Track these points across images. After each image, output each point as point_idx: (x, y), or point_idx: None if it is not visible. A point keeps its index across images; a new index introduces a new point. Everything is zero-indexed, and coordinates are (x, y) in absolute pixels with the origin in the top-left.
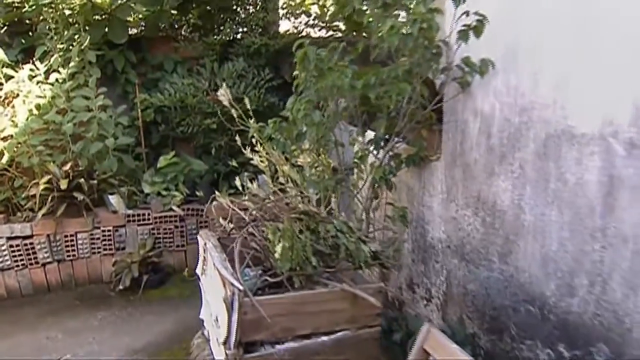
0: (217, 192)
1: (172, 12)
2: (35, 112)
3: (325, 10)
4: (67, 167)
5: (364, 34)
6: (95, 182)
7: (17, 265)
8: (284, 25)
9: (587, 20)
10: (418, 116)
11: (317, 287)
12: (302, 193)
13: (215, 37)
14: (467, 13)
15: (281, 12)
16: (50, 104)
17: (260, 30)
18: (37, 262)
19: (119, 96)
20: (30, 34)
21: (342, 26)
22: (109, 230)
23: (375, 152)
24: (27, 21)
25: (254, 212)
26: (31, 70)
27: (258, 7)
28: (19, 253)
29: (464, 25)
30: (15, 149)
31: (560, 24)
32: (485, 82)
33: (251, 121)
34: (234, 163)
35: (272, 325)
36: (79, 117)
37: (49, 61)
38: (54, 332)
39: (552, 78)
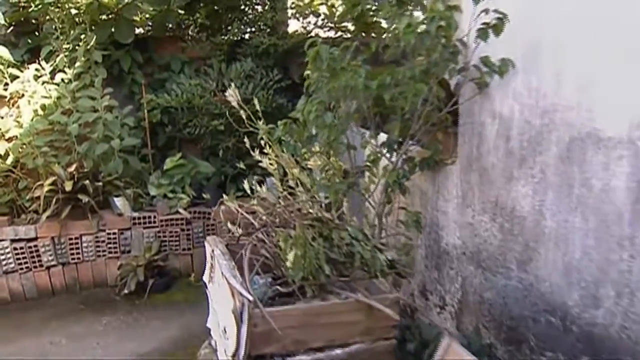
0: (224, 195)
1: (179, 11)
2: (40, 112)
3: (334, 10)
4: (72, 168)
5: (372, 35)
6: (100, 183)
7: (21, 268)
8: (293, 25)
9: (614, 17)
10: (433, 118)
11: (330, 296)
12: (314, 198)
13: (222, 37)
14: (486, 11)
15: (290, 11)
16: (55, 104)
17: (268, 30)
18: (41, 265)
19: (125, 97)
20: (37, 33)
21: (350, 27)
22: (114, 233)
23: (388, 155)
24: (34, 21)
25: (263, 218)
26: (37, 70)
27: (266, 7)
28: (23, 256)
29: (483, 24)
30: (20, 150)
31: (585, 21)
32: (504, 83)
33: (260, 123)
34: (242, 165)
35: (284, 337)
36: (85, 118)
37: (55, 61)
38: (58, 337)
39: (576, 79)
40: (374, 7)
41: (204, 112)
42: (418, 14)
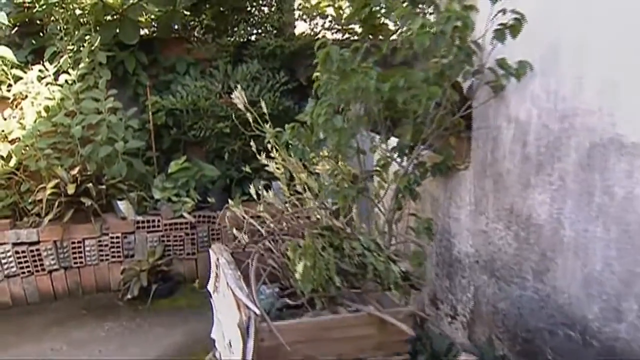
0: (230, 200)
1: (185, 12)
2: (43, 114)
3: (341, 12)
4: (75, 171)
5: (380, 37)
6: (103, 187)
7: (23, 272)
8: (301, 27)
9: (639, 16)
10: (446, 122)
11: (340, 309)
12: (324, 205)
13: (228, 38)
14: (503, 11)
15: (297, 13)
16: (59, 106)
17: (275, 31)
18: (43, 269)
19: (130, 98)
20: (41, 34)
21: (358, 29)
22: (117, 237)
23: (399, 160)
24: (38, 22)
25: (271, 225)
26: (40, 71)
27: (273, 8)
28: (25, 260)
29: (500, 24)
30: (22, 152)
31: (608, 21)
32: (520, 86)
33: (267, 126)
34: (248, 169)
35: (292, 353)
36: (88, 120)
37: (59, 62)
38: (59, 343)
39: (598, 82)
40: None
41: (209, 115)
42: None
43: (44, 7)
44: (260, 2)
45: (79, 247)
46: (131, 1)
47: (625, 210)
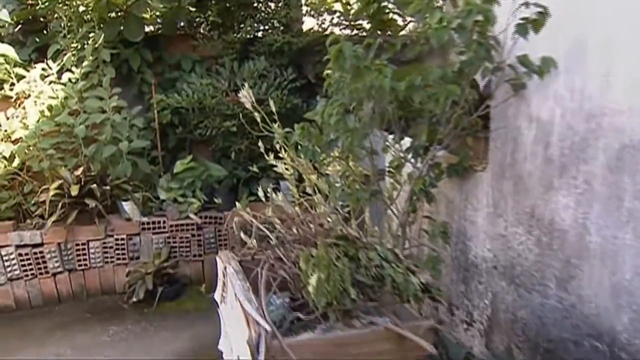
0: (237, 201)
1: (191, 9)
2: (46, 113)
3: (349, 8)
4: (78, 171)
5: (388, 33)
6: (108, 187)
7: (27, 275)
8: (309, 23)
9: None
10: (464, 122)
11: (355, 322)
12: (336, 210)
13: (235, 35)
14: (526, 4)
15: (304, 8)
16: (62, 105)
17: (282, 27)
18: (47, 272)
19: (135, 97)
20: (45, 32)
21: (365, 25)
22: (122, 239)
23: (413, 160)
24: (42, 19)
25: (281, 233)
26: (43, 69)
27: (280, 4)
28: (29, 262)
29: (522, 19)
30: (25, 152)
31: (638, 15)
32: (543, 85)
33: (275, 125)
34: (255, 168)
35: None
36: (92, 119)
37: (62, 60)
38: (63, 348)
39: (627, 79)
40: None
41: (215, 113)
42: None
43: (47, 4)
44: None
45: (83, 249)
46: None
47: None
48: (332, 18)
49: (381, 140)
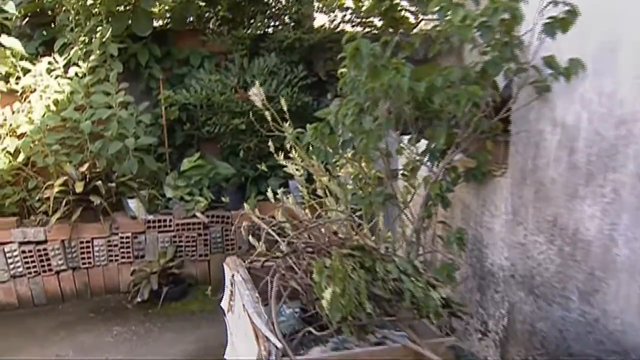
0: (244, 202)
1: (200, 3)
2: (52, 108)
3: (360, 4)
4: (84, 168)
5: (401, 30)
6: (113, 184)
7: (30, 273)
8: (320, 20)
9: None
10: (484, 125)
11: (369, 337)
12: (351, 217)
13: (245, 30)
14: (554, 2)
15: (316, 4)
16: (68, 99)
17: (293, 24)
18: (50, 270)
19: (142, 92)
20: (53, 25)
21: (377, 22)
22: (127, 237)
23: (429, 164)
24: (49, 12)
25: (293, 240)
26: (50, 63)
27: (291, 0)
28: (32, 259)
29: (550, 18)
30: (30, 147)
31: None
32: (569, 87)
33: (286, 125)
34: (264, 167)
35: None
36: (98, 115)
37: (69, 54)
38: (65, 348)
39: None
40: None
41: (224, 110)
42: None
43: None
44: None
45: (88, 247)
46: None
47: None
48: (344, 15)
49: (395, 142)
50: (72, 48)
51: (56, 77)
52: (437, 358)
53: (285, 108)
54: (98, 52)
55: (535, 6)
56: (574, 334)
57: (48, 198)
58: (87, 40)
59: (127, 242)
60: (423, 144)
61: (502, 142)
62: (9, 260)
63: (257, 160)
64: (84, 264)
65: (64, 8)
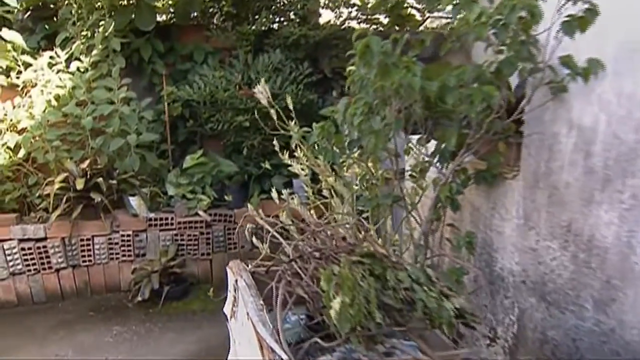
0: (249, 205)
1: None
2: (53, 103)
3: (366, 1)
4: (85, 164)
5: (407, 28)
6: (114, 181)
7: (29, 270)
8: (326, 16)
9: None
10: (497, 127)
11: (378, 346)
12: (360, 221)
13: (249, 26)
14: (573, 0)
15: (322, 1)
16: (69, 95)
17: (298, 20)
18: (50, 267)
19: (144, 88)
20: (55, 19)
21: (383, 19)
22: (128, 235)
23: (438, 165)
24: (52, 5)
25: (299, 245)
26: (51, 58)
27: None
28: (32, 257)
29: (568, 16)
30: (31, 143)
31: None
32: (586, 88)
33: (292, 123)
34: (267, 165)
35: None
36: (100, 110)
37: (71, 48)
38: (65, 347)
39: None
40: None
41: (227, 107)
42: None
43: None
44: None
45: (88, 244)
46: None
47: None
48: (350, 12)
49: (402, 142)
50: (74, 42)
51: (58, 72)
52: None
53: (291, 106)
54: (100, 46)
55: (553, 4)
56: (587, 343)
57: (48, 195)
58: (89, 35)
59: (128, 240)
60: (432, 144)
61: (514, 144)
62: (8, 258)
63: (260, 158)
64: (84, 261)
65: (66, 1)
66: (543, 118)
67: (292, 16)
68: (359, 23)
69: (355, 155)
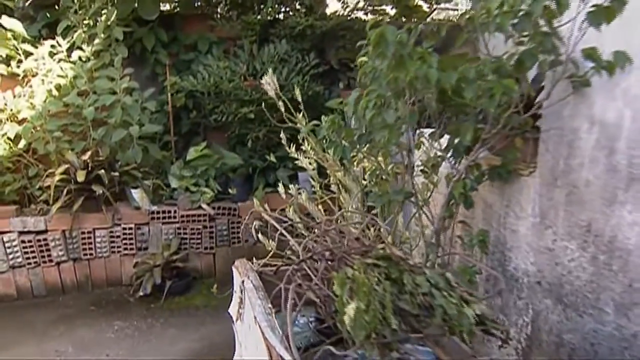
0: (254, 200)
1: None
2: (54, 93)
3: None
4: (86, 156)
5: (414, 19)
6: (116, 173)
7: (29, 263)
8: (332, 6)
9: None
10: (514, 121)
11: (393, 353)
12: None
13: (255, 15)
14: None
15: None
16: (71, 84)
17: (305, 10)
18: (50, 260)
19: (147, 78)
20: (56, 7)
21: (389, 10)
22: (130, 228)
23: (452, 161)
24: None
25: (309, 244)
26: (52, 46)
27: None
28: (32, 249)
29: (594, 6)
30: (31, 133)
31: None
32: (610, 83)
33: (299, 115)
34: (272, 158)
35: None
36: (102, 101)
37: (72, 37)
38: (65, 343)
39: None
40: None
41: (232, 98)
42: None
43: None
44: None
45: (89, 237)
46: None
47: None
48: (358, 2)
49: (416, 137)
50: (76, 31)
51: (59, 61)
52: None
53: (300, 98)
54: (102, 35)
55: None
56: (607, 348)
57: (49, 186)
58: (91, 24)
59: (129, 234)
60: (445, 139)
61: (531, 139)
62: (8, 250)
63: (265, 150)
64: (85, 255)
65: None
66: (562, 113)
67: (298, 6)
68: (365, 14)
69: (365, 149)
